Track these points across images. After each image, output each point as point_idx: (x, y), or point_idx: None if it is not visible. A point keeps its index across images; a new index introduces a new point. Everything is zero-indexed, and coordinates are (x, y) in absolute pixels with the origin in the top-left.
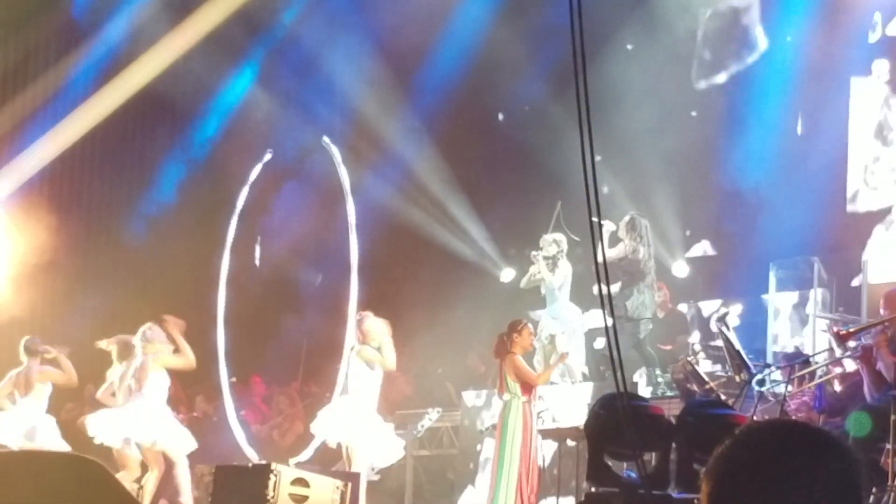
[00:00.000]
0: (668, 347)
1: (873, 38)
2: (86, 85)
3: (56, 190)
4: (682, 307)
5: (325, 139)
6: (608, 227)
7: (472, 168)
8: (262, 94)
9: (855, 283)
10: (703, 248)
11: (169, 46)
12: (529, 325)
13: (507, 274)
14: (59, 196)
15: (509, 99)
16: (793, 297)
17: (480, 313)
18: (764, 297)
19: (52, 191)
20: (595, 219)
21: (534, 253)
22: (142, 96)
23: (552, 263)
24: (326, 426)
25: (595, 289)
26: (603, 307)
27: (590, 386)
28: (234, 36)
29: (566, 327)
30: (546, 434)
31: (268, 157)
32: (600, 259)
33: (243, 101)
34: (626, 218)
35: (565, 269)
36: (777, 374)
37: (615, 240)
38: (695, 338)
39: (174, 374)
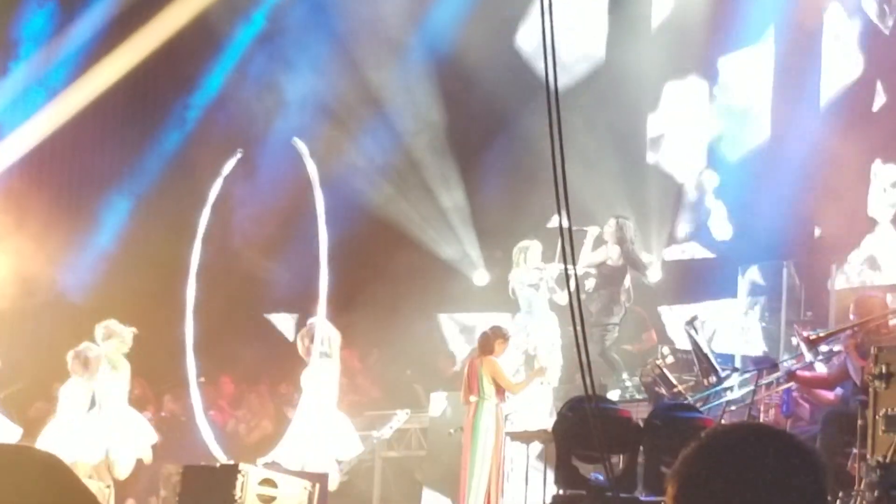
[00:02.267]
0: (632, 348)
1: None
2: (59, 78)
3: (24, 183)
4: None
5: (296, 139)
6: (592, 231)
7: (463, 166)
8: (237, 88)
9: (824, 288)
10: (673, 252)
11: (142, 40)
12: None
13: (481, 276)
14: (25, 191)
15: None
16: (762, 301)
17: (452, 315)
18: (733, 301)
19: (20, 185)
20: (566, 224)
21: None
22: (114, 90)
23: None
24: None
25: (562, 297)
26: (573, 313)
27: (559, 389)
28: (209, 29)
29: (545, 341)
30: (514, 436)
31: (238, 155)
32: (572, 265)
33: (218, 94)
34: (612, 221)
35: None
36: (744, 379)
37: (599, 243)
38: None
39: (141, 373)
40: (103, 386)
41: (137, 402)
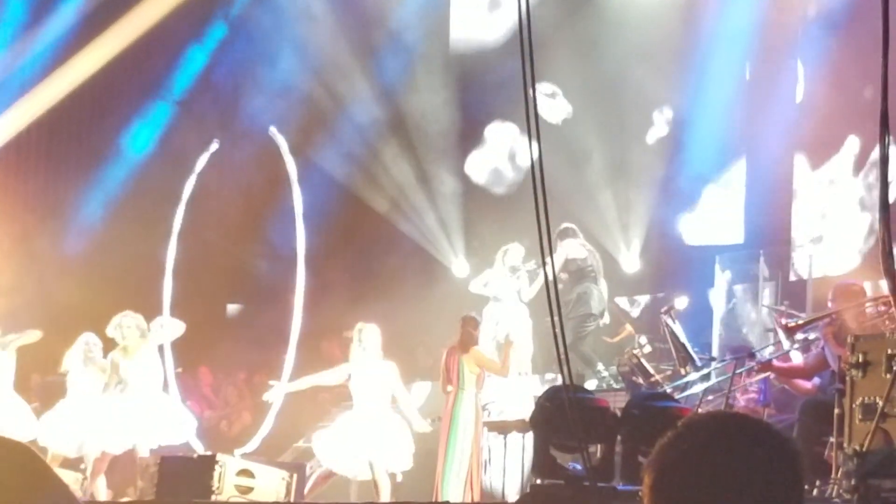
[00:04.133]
0: (610, 339)
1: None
2: (32, 73)
3: None
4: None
5: (273, 129)
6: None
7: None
8: (211, 80)
9: (801, 276)
10: (649, 242)
11: (115, 36)
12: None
13: (461, 268)
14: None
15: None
16: (739, 290)
17: (429, 307)
18: (710, 290)
19: None
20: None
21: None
22: (89, 85)
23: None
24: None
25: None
26: (550, 305)
27: (536, 379)
28: (184, 22)
29: (515, 329)
30: (492, 426)
31: (214, 146)
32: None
33: (192, 86)
34: (560, 228)
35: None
36: (721, 368)
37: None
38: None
39: None
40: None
41: None
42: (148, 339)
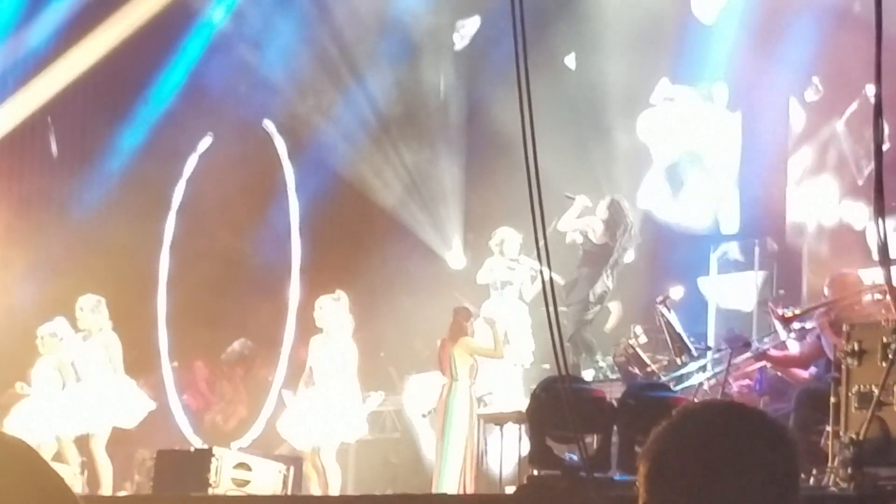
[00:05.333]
0: (609, 331)
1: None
2: (24, 69)
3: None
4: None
5: (266, 122)
6: (581, 201)
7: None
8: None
9: (797, 265)
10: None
11: (114, 25)
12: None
13: (457, 260)
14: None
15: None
16: (734, 279)
17: (425, 298)
18: (705, 279)
19: None
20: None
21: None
22: (81, 81)
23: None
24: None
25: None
26: (545, 292)
27: (532, 369)
28: (174, 18)
29: (515, 326)
30: (487, 418)
31: (208, 140)
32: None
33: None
34: (608, 200)
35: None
36: (717, 357)
37: (587, 213)
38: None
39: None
40: (82, 358)
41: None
42: (101, 321)
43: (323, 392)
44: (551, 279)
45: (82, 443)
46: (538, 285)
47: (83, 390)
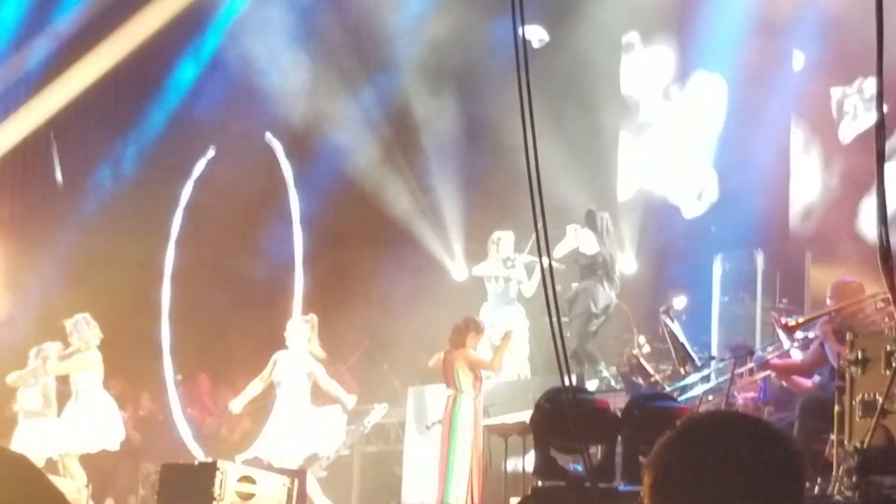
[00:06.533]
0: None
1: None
2: (30, 80)
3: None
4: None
5: (268, 134)
6: (571, 228)
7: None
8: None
9: (799, 274)
10: (646, 242)
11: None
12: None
13: (460, 271)
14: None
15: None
16: (737, 289)
17: (429, 309)
18: (707, 289)
19: None
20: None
21: (512, 257)
22: (85, 92)
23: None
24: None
25: (528, 288)
26: (548, 303)
27: (536, 381)
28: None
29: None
30: (492, 429)
31: (211, 153)
32: (547, 256)
33: (188, 94)
34: (586, 212)
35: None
36: (720, 367)
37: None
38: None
39: (119, 372)
40: (74, 379)
41: (116, 402)
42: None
43: (287, 408)
44: (554, 288)
45: (85, 459)
46: (536, 278)
47: (79, 408)
